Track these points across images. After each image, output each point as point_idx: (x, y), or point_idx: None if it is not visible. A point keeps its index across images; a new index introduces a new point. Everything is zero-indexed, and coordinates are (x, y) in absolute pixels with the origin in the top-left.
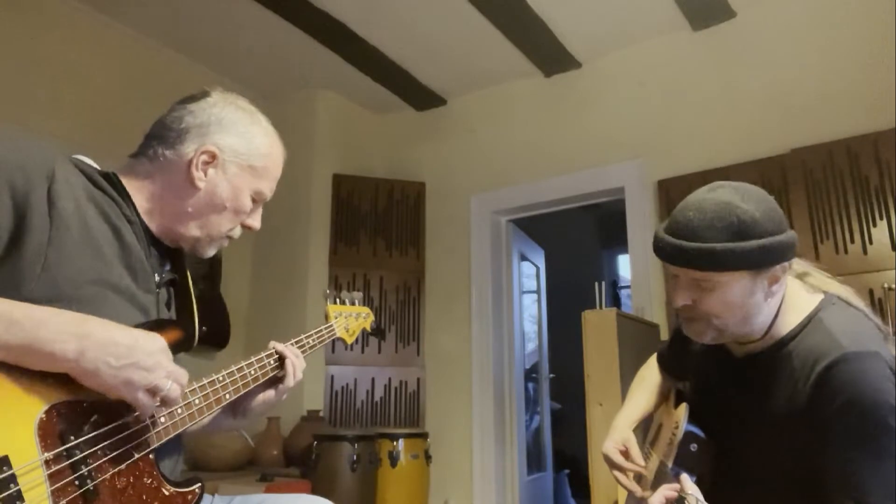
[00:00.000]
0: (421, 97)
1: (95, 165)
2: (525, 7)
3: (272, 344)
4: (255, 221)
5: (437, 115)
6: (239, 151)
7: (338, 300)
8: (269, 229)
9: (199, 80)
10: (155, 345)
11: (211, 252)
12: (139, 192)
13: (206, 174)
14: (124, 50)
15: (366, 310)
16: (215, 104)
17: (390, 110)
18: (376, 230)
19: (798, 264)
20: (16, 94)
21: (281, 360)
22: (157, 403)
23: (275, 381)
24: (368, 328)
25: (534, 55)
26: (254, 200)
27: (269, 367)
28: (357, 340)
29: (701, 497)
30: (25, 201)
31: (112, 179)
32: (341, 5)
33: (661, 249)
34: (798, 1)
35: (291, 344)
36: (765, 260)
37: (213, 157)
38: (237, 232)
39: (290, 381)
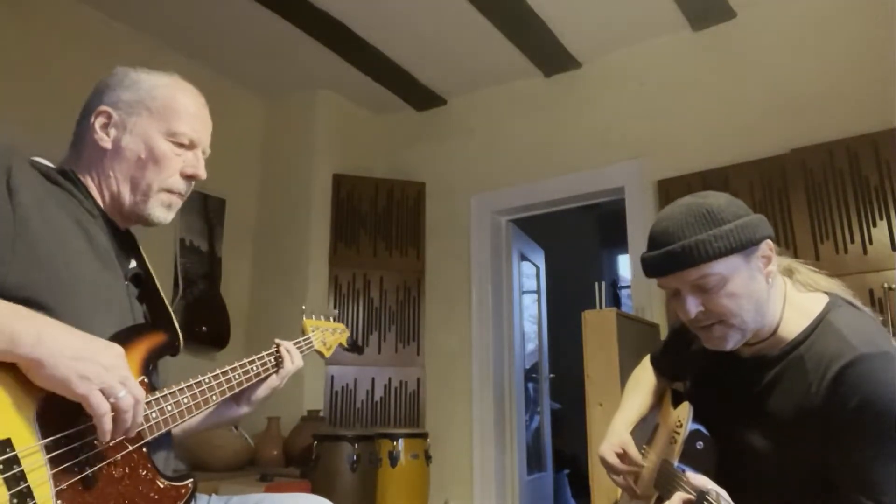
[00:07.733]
0: (421, 97)
1: (52, 165)
2: (525, 7)
3: (277, 340)
4: (196, 169)
5: (437, 115)
6: (129, 101)
7: (313, 315)
8: (269, 229)
9: (198, 80)
10: (113, 349)
11: (160, 214)
12: (83, 179)
13: (108, 135)
14: (123, 49)
15: (341, 326)
16: (108, 75)
17: (390, 110)
18: (376, 230)
19: (784, 260)
20: (13, 93)
21: (279, 356)
22: (110, 411)
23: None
24: (345, 343)
25: (534, 55)
26: (180, 145)
27: (269, 365)
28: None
29: (720, 490)
30: None
31: (69, 175)
32: (341, 5)
33: (651, 265)
34: (798, 1)
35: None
36: (749, 236)
37: (109, 116)
38: (179, 184)
39: (288, 365)
